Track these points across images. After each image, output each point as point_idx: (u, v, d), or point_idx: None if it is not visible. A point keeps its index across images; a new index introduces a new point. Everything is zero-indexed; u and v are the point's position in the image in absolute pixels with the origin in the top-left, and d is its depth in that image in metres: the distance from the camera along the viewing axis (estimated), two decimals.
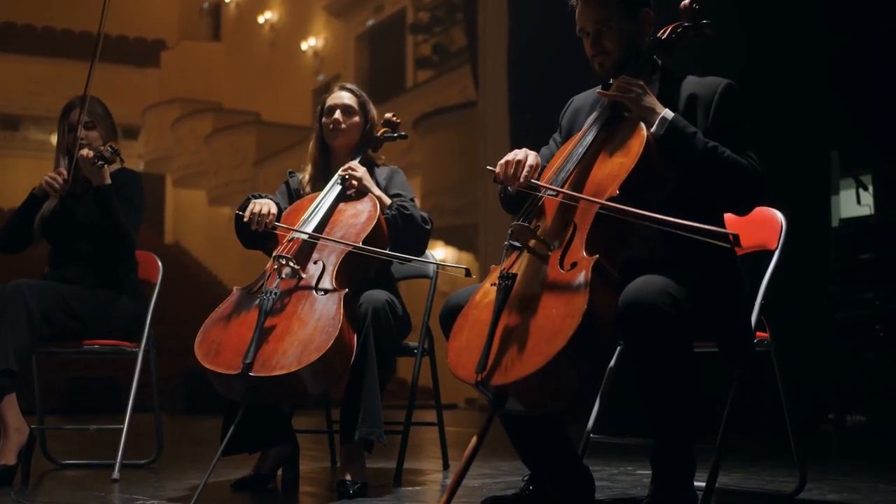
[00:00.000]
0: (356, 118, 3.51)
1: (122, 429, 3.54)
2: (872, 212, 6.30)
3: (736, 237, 2.27)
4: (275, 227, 3.26)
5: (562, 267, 2.34)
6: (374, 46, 19.92)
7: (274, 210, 3.28)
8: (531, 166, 2.52)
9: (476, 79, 11.42)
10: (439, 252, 15.45)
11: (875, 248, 5.87)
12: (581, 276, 2.27)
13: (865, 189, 6.42)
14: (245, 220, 3.25)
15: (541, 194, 2.53)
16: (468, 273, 3.04)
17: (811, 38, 6.26)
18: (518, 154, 2.55)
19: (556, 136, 2.88)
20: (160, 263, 3.91)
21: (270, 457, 3.28)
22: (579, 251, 2.35)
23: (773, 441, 4.62)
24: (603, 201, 2.35)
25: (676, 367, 2.30)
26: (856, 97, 6.27)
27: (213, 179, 22.21)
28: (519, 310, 2.34)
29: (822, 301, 5.98)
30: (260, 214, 3.24)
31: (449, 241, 15.17)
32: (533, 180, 2.51)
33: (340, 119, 3.49)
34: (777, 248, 2.94)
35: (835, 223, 6.32)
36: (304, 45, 21.67)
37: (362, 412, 3.01)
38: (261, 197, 3.37)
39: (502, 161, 2.55)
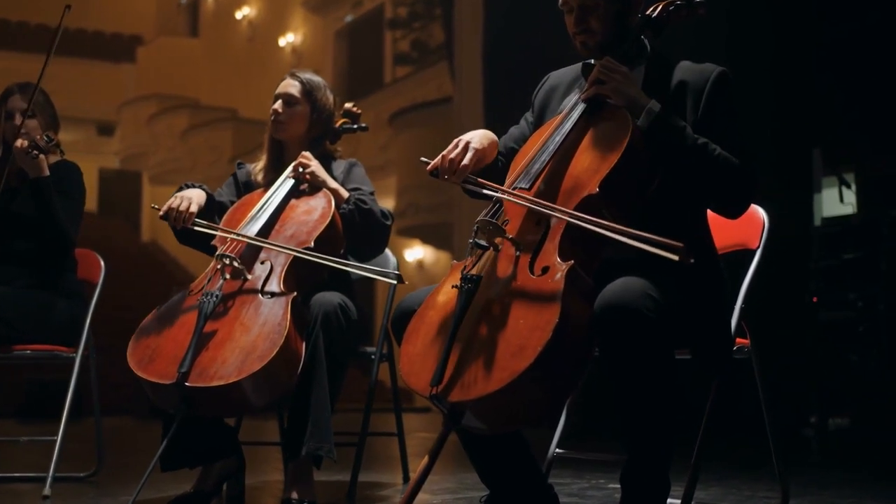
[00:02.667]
0: (299, 107, 3.26)
1: (55, 440, 3.28)
2: (855, 210, 6.17)
3: (687, 251, 1.98)
4: (195, 225, 2.97)
5: (532, 271, 2.12)
6: (352, 42, 19.69)
7: (195, 207, 2.97)
8: (465, 166, 2.28)
9: (453, 74, 11.24)
10: (417, 251, 15.23)
11: (858, 247, 5.75)
12: (553, 284, 2.05)
13: (849, 187, 6.30)
14: (161, 215, 2.99)
15: (482, 191, 2.28)
16: (400, 280, 2.85)
17: (797, 33, 6.08)
18: (456, 148, 2.31)
19: (528, 115, 2.64)
20: (102, 262, 3.65)
21: (214, 472, 3.01)
22: (552, 255, 2.12)
23: (752, 447, 4.44)
24: (564, 210, 2.12)
25: (656, 377, 2.09)
26: (840, 93, 6.11)
27: (188, 176, 21.88)
28: (482, 318, 2.12)
29: (804, 302, 5.83)
30: (178, 210, 2.95)
31: (425, 240, 14.97)
32: (473, 178, 2.28)
33: (280, 109, 3.25)
34: (759, 247, 2.74)
35: (817, 222, 6.19)
36: (282, 41, 21.42)
37: (310, 425, 2.79)
38: (192, 187, 3.10)
39: (443, 153, 2.32)
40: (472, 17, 9.91)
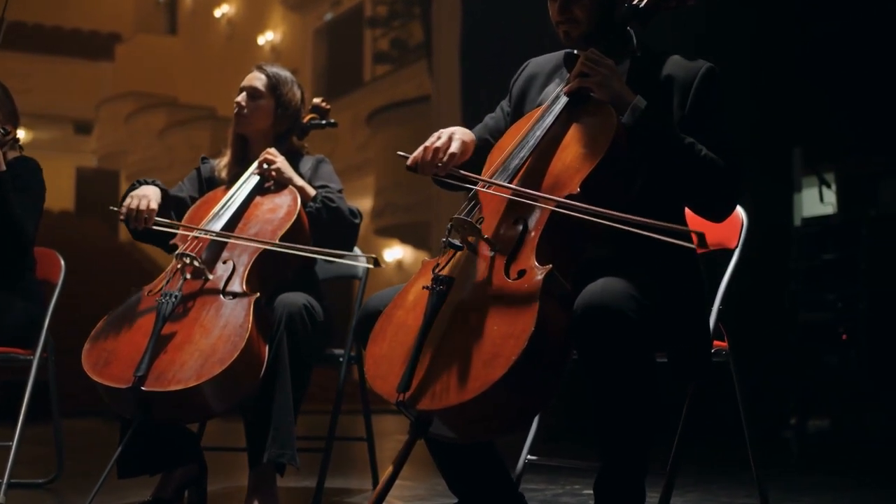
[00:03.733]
0: (263, 101, 3.16)
1: (10, 445, 3.14)
2: (836, 210, 6.13)
3: (701, 236, 1.94)
4: (156, 224, 2.86)
5: (507, 275, 2.01)
6: (331, 41, 19.58)
7: (154, 204, 2.86)
8: (452, 154, 2.19)
9: (431, 73, 11.15)
10: (396, 251, 15.13)
11: (838, 248, 5.70)
12: (529, 289, 1.95)
13: (829, 187, 6.26)
14: (122, 217, 2.88)
15: (470, 186, 2.18)
16: (376, 263, 2.74)
17: (779, 29, 6.02)
18: (440, 139, 2.21)
19: (505, 103, 2.53)
20: (62, 261, 3.53)
21: (174, 478, 2.90)
22: (529, 257, 2.02)
23: (731, 451, 4.37)
24: (551, 197, 2.01)
25: (635, 381, 2.00)
26: (822, 92, 6.05)
27: (166, 175, 21.64)
28: (453, 322, 2.01)
29: (783, 303, 5.78)
30: (137, 211, 2.85)
31: (403, 240, 14.87)
32: (457, 171, 2.17)
33: (243, 102, 3.15)
34: (737, 247, 2.66)
35: (797, 222, 6.13)
36: (261, 40, 21.27)
37: (272, 431, 2.68)
38: (146, 183, 2.99)
39: (422, 146, 2.22)
40: (449, 15, 9.81)
